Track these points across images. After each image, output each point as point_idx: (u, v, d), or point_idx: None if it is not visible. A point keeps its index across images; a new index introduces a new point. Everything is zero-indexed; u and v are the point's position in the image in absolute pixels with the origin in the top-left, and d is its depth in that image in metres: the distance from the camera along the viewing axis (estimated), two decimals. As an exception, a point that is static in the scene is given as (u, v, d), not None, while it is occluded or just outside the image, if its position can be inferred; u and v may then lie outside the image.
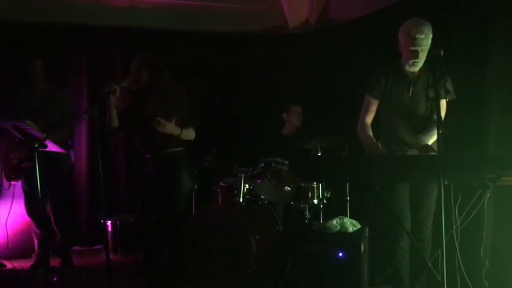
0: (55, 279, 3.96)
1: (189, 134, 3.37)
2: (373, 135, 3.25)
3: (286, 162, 4.29)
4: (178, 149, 3.37)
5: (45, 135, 3.17)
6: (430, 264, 2.88)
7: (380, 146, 3.07)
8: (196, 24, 5.37)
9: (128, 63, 3.37)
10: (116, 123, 3.29)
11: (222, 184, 4.39)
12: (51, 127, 3.82)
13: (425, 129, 3.15)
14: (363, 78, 3.47)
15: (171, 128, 3.20)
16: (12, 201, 4.28)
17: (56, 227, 4.25)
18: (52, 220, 4.24)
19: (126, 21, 5.20)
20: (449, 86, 3.13)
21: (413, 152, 3.13)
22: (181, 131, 3.27)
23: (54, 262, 4.33)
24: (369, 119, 3.30)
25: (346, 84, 4.72)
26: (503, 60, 3.39)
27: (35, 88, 4.17)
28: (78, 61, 5.20)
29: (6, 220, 4.36)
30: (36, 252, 4.32)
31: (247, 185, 4.18)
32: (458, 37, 3.60)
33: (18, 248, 4.62)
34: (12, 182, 4.22)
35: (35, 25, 4.98)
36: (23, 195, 4.33)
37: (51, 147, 3.50)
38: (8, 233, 4.35)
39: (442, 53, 2.65)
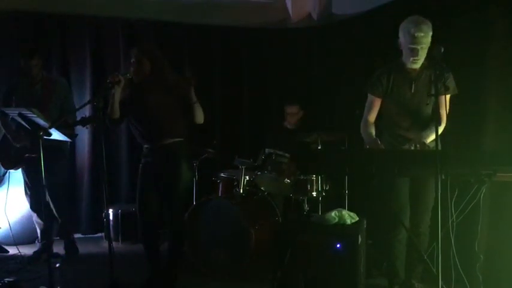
0: (57, 264, 4.02)
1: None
2: (375, 130, 3.28)
3: (287, 154, 4.34)
4: (178, 139, 3.38)
5: (49, 123, 3.21)
6: (425, 257, 2.94)
7: (380, 143, 3.11)
8: (198, 17, 5.39)
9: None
10: (117, 114, 3.30)
11: (222, 175, 4.44)
12: (53, 117, 3.86)
13: (427, 126, 3.16)
14: (364, 74, 3.49)
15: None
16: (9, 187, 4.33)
17: (57, 213, 4.28)
18: (52, 207, 4.26)
19: (129, 13, 5.23)
20: (451, 81, 3.15)
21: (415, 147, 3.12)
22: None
23: (58, 249, 4.41)
24: (372, 117, 3.32)
25: (348, 79, 4.75)
26: (502, 57, 3.41)
27: (35, 79, 4.16)
28: (82, 52, 5.22)
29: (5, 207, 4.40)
30: (39, 239, 4.38)
31: (247, 177, 4.22)
32: (458, 33, 3.62)
33: (21, 233, 4.69)
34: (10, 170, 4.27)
35: (38, 15, 5.00)
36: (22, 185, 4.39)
37: (56, 135, 3.54)
38: (9, 219, 4.38)
39: (442, 50, 2.69)
